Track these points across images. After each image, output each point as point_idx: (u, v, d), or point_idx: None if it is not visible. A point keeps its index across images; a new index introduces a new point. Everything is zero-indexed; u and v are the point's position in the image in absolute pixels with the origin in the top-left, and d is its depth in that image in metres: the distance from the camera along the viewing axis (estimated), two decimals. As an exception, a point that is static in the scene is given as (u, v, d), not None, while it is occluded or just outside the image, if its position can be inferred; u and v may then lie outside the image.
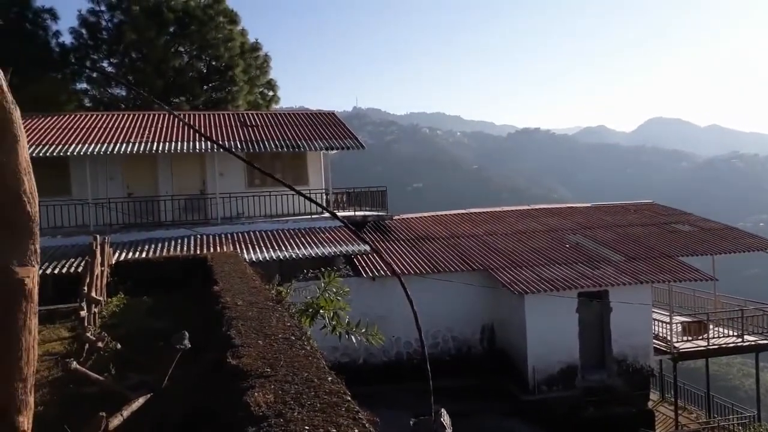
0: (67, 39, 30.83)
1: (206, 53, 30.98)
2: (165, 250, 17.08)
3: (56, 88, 28.89)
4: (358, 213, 22.45)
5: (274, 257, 17.01)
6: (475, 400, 16.09)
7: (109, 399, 4.90)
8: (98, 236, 9.34)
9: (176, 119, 22.46)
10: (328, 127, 23.86)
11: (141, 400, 3.93)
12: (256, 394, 3.07)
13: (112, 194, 19.89)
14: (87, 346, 6.22)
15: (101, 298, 6.58)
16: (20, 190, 2.53)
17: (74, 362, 4.81)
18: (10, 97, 2.49)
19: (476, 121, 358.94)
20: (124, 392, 4.88)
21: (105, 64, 32.26)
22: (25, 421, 2.54)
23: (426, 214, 24.41)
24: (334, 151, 23.91)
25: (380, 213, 22.67)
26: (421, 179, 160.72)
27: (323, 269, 17.28)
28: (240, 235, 19.16)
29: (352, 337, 7.79)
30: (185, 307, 9.33)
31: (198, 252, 16.62)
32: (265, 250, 17.62)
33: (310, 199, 4.23)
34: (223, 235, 18.93)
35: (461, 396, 15.36)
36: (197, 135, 21.35)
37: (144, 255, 16.40)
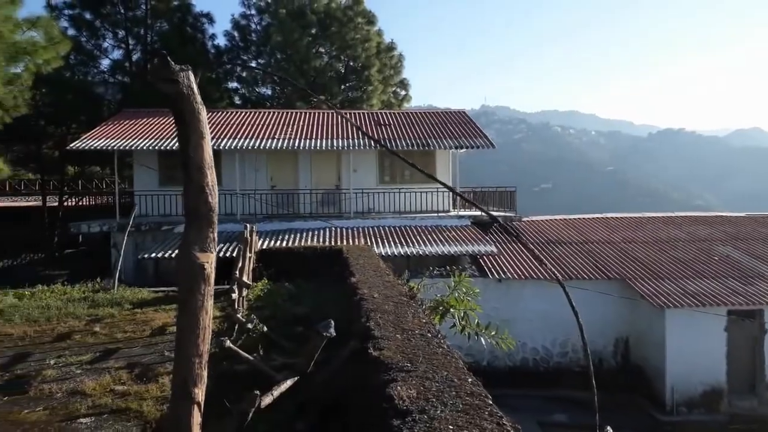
0: (221, 41, 33.58)
1: (345, 53, 32.19)
2: (303, 240, 18.05)
3: (210, 87, 31.55)
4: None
5: (402, 253, 17.33)
6: (607, 415, 15.29)
7: (257, 377, 5.33)
8: (248, 225, 10.11)
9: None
10: (457, 126, 23.84)
11: (289, 382, 4.23)
12: (399, 387, 3.19)
13: (258, 186, 21.41)
14: (237, 326, 6.78)
15: (250, 283, 7.13)
16: (203, 183, 2.83)
17: (228, 341, 5.27)
18: (198, 97, 2.79)
19: (613, 120, 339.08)
20: (270, 373, 5.27)
21: (253, 64, 34.68)
22: (200, 393, 2.86)
23: (557, 217, 23.55)
24: (463, 150, 23.82)
25: (508, 214, 22.26)
26: (550, 180, 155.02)
27: (449, 267, 17.40)
28: (370, 229, 19.75)
29: (481, 338, 7.78)
30: (322, 295, 9.82)
31: (333, 243, 17.41)
32: (393, 245, 18.00)
33: (463, 197, 4.28)
34: (354, 229, 19.62)
35: (592, 409, 14.65)
36: (334, 132, 22.35)
37: (285, 244, 17.44)
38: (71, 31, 28.28)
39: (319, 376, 4.58)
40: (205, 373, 2.90)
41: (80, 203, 35.31)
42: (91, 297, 10.80)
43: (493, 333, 7.72)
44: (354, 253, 10.49)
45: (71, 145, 20.42)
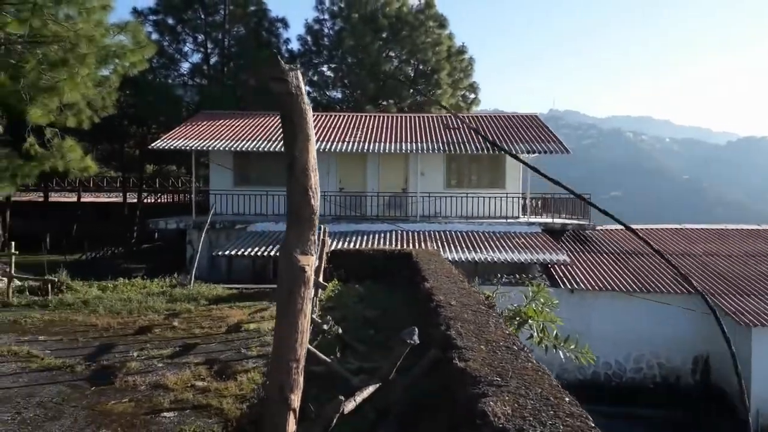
0: (294, 45, 34.30)
1: (415, 57, 32.18)
2: (370, 243, 18.11)
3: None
4: (556, 220, 21.60)
5: (470, 259, 17.06)
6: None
7: (334, 380, 5.30)
8: (322, 226, 10.18)
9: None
10: (530, 130, 23.33)
11: (371, 389, 4.16)
12: (492, 403, 3.04)
13: (327, 188, 21.66)
14: (312, 326, 6.79)
15: (325, 284, 7.14)
16: (308, 185, 2.80)
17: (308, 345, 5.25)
18: (306, 98, 2.75)
19: (689, 127, 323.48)
20: (347, 376, 5.23)
21: (324, 68, 35.30)
22: (296, 399, 2.81)
23: (634, 227, 22.53)
24: (533, 155, 23.24)
25: (581, 222, 21.52)
26: (621, 187, 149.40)
27: (519, 276, 16.96)
28: (437, 233, 19.57)
29: (560, 351, 7.48)
30: (392, 298, 9.76)
31: (399, 246, 17.37)
32: (461, 250, 17.76)
33: (565, 187, 4.08)
34: (421, 232, 19.50)
35: (666, 429, 13.95)
36: (402, 135, 22.33)
37: (352, 245, 17.54)
38: (154, 36, 29.66)
39: (399, 383, 4.48)
40: (301, 379, 2.86)
41: (158, 200, 36.84)
42: (169, 292, 11.18)
43: (572, 346, 7.40)
44: (424, 257, 10.37)
45: (153, 145, 21.33)
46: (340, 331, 6.40)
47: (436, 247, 17.02)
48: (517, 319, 7.27)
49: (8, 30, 14.04)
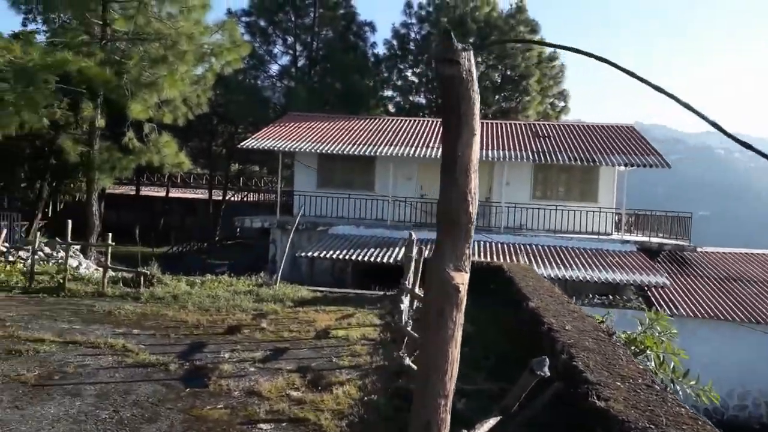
0: (381, 50, 34.30)
1: (503, 63, 31.37)
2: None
3: (367, 93, 32.36)
4: (653, 239, 20.23)
5: (560, 276, 16.17)
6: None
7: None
8: (412, 233, 9.79)
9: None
10: (626, 142, 22.04)
11: (492, 422, 3.69)
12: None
13: (407, 193, 21.34)
14: (406, 340, 6.40)
15: (419, 295, 6.71)
16: (468, 189, 2.38)
17: (408, 358, 4.85)
18: (476, 84, 2.34)
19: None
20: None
21: (409, 73, 35.07)
22: (443, 439, 2.40)
23: (738, 251, 20.83)
24: (626, 169, 21.92)
25: (680, 242, 20.04)
26: (709, 207, 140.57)
27: (612, 297, 15.90)
28: (522, 246, 18.78)
29: (677, 387, 6.71)
30: (483, 314, 9.22)
31: (481, 258, 16.75)
32: (549, 266, 16.90)
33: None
34: (504, 245, 18.77)
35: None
36: (487, 142, 21.65)
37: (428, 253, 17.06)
38: (247, 37, 30.38)
39: (521, 417, 3.99)
40: (448, 417, 2.45)
41: (243, 199, 37.77)
42: (256, 291, 11.12)
43: (692, 382, 6.62)
44: (518, 272, 9.76)
45: (242, 144, 21.74)
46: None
47: (522, 261, 16.27)
48: (633, 348, 6.56)
49: (115, 27, 14.66)
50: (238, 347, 6.94)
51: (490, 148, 21.07)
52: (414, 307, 7.43)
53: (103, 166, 14.42)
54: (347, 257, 17.43)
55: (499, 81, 32.48)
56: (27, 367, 5.67)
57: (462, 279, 2.38)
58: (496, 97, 31.91)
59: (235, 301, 10.12)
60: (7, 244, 11.50)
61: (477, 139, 2.41)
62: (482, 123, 24.40)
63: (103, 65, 13.37)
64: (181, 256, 26.90)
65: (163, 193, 43.89)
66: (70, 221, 11.13)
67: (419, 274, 7.71)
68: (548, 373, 3.70)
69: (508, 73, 31.99)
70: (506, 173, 21.00)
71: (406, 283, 7.46)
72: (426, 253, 15.49)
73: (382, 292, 12.09)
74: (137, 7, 14.18)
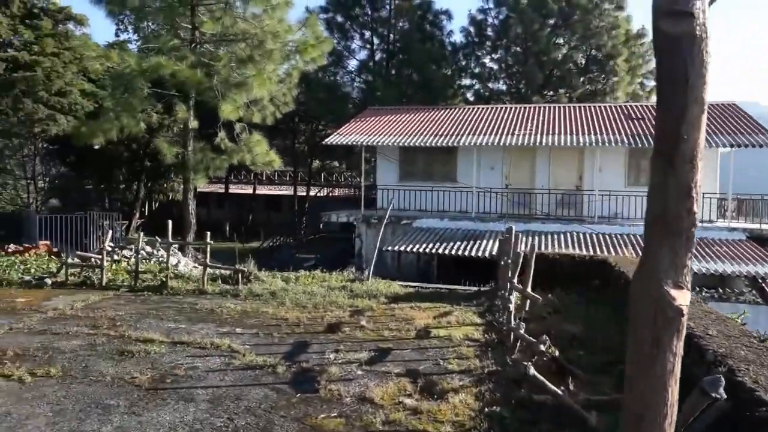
0: (457, 38, 33.63)
1: (587, 43, 29.90)
2: (543, 245, 16.88)
3: (445, 83, 31.84)
4: (764, 226, 18.58)
5: (663, 267, 15.10)
6: None
7: (562, 415, 4.49)
8: (512, 227, 9.37)
9: (556, 112, 22.24)
10: (728, 120, 20.34)
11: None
12: None
13: (492, 184, 20.74)
14: (519, 343, 6.03)
15: (537, 296, 6.24)
16: (692, 182, 1.98)
17: (531, 368, 4.49)
18: (710, 45, 1.91)
19: None
20: (584, 414, 4.38)
21: (487, 60, 34.19)
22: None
23: None
24: (731, 149, 20.23)
25: (794, 230, 18.27)
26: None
27: (721, 290, 14.72)
28: (618, 237, 17.76)
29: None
30: (592, 312, 8.67)
31: (575, 250, 15.98)
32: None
33: None
34: (600, 235, 17.82)
35: None
36: (576, 127, 20.63)
37: (523, 247, 16.45)
38: (325, 34, 30.58)
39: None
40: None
41: (329, 194, 38.26)
42: (349, 287, 11.04)
43: None
44: (630, 267, 9.07)
45: (327, 140, 21.88)
46: (557, 353, 5.53)
47: (627, 254, 15.35)
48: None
49: (203, 29, 15.02)
50: (341, 347, 6.81)
51: (579, 132, 20.07)
52: (519, 305, 7.00)
53: (198, 167, 14.85)
54: (434, 251, 17.14)
55: (584, 62, 30.98)
56: (139, 369, 5.77)
57: (684, 299, 1.98)
58: (581, 79, 30.44)
59: (330, 297, 10.08)
60: (111, 244, 12.04)
61: (705, 117, 1.99)
62: (569, 107, 23.45)
63: (193, 68, 13.72)
64: (272, 251, 27.53)
65: (248, 190, 45.35)
66: (170, 221, 11.50)
67: (517, 270, 7.26)
68: (724, 395, 3.24)
69: (593, 53, 30.44)
70: (599, 159, 19.95)
71: (514, 280, 7.04)
72: (523, 247, 14.94)
73: (475, 288, 11.73)
74: (224, 9, 14.43)
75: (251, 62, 14.59)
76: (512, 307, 6.74)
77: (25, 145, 42.16)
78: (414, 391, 5.18)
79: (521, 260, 7.66)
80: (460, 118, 23.30)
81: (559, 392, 4.49)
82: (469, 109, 25.18)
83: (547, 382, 4.51)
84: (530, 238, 17.74)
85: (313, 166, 39.89)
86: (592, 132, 20.09)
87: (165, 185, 41.87)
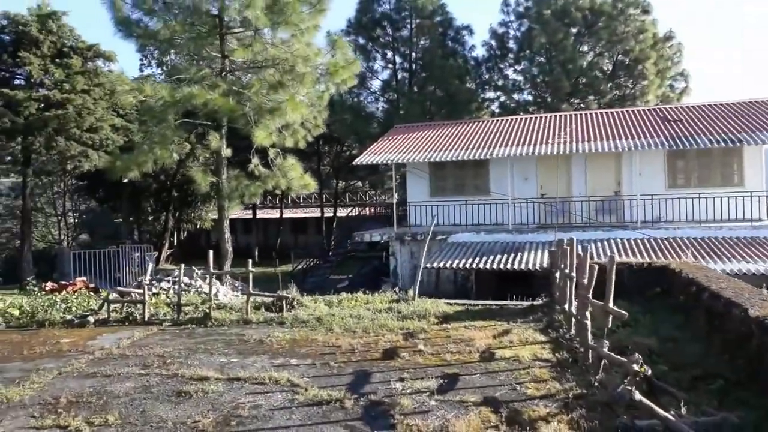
0: (479, 52, 33.43)
1: (614, 49, 29.40)
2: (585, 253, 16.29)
3: (469, 97, 31.57)
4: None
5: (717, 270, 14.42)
6: None
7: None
8: (565, 239, 8.93)
9: (588, 119, 21.81)
10: (772, 117, 19.64)
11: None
12: None
13: (526, 195, 20.28)
14: (603, 363, 5.58)
15: (623, 312, 5.76)
16: None
17: (636, 392, 4.06)
18: None
19: None
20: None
21: (510, 72, 33.87)
22: None
23: None
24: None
25: None
26: None
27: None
28: (664, 241, 17.08)
29: None
30: (663, 323, 8.16)
31: (620, 256, 15.38)
32: (699, 259, 15.16)
33: None
34: (644, 240, 17.18)
35: None
36: (611, 133, 20.12)
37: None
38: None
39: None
40: None
41: (358, 214, 38.10)
42: (395, 308, 10.67)
43: None
44: (697, 272, 8.57)
45: (357, 161, 21.65)
46: (649, 372, 5.08)
47: (661, 257, 14.72)
48: None
49: (233, 57, 14.98)
50: (405, 375, 6.42)
51: (616, 137, 19.54)
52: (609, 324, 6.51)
53: (233, 194, 14.69)
54: (475, 265, 16.67)
55: (611, 68, 30.45)
56: (200, 411, 5.45)
57: None
58: (609, 85, 29.88)
59: (378, 320, 9.72)
60: (149, 277, 11.88)
61: None
62: (602, 113, 22.95)
63: (225, 96, 13.63)
64: (304, 274, 27.32)
65: (274, 214, 45.46)
66: (210, 251, 11.29)
67: (592, 282, 6.80)
68: None
69: (620, 58, 29.90)
70: (637, 163, 19.39)
71: (583, 292, 6.59)
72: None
73: (525, 302, 11.27)
74: (253, 36, 14.38)
75: (282, 87, 14.47)
76: (589, 323, 6.29)
77: (56, 183, 43.01)
78: (500, 423, 4.77)
79: (593, 271, 7.20)
80: (490, 130, 22.96)
81: (670, 417, 4.04)
82: (498, 120, 24.81)
83: (655, 407, 4.07)
84: (576, 247, 17.22)
85: (339, 187, 39.84)
86: (629, 136, 19.54)
87: (192, 214, 42.21)
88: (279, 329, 9.54)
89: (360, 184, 47.40)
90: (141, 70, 34.97)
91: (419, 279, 11.61)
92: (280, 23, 14.16)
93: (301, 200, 48.08)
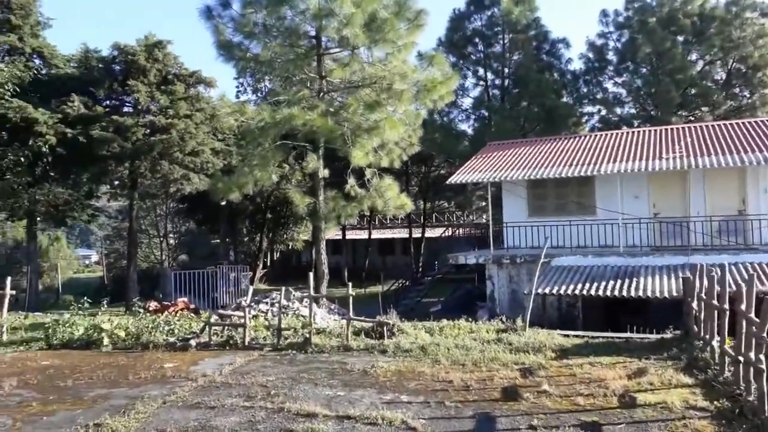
0: (576, 65, 32.04)
1: (728, 56, 27.13)
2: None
3: (567, 112, 30.18)
4: None
5: None
6: None
7: None
8: (703, 263, 7.80)
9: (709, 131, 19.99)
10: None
11: None
12: None
13: (636, 214, 18.74)
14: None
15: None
16: None
17: None
18: None
19: None
20: None
21: (609, 85, 32.17)
22: None
23: None
24: None
25: None
26: None
27: None
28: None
29: None
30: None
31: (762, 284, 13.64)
32: None
33: None
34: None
35: None
36: (735, 146, 18.24)
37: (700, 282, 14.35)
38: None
39: None
40: None
41: (450, 235, 37.42)
42: (505, 339, 9.82)
43: None
44: None
45: (451, 179, 20.98)
46: None
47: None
48: None
49: (331, 77, 14.85)
50: (535, 421, 5.62)
51: (740, 151, 17.69)
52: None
53: (330, 215, 14.45)
54: (584, 291, 15.44)
55: (725, 77, 28.10)
56: (313, 456, 4.92)
57: None
58: (723, 95, 27.54)
59: (488, 352, 8.93)
60: (247, 299, 11.71)
61: None
62: (722, 124, 21.00)
63: (324, 116, 13.45)
64: (396, 297, 26.80)
65: (362, 235, 45.54)
66: (311, 273, 10.97)
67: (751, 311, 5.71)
68: None
69: (736, 66, 27.53)
70: (765, 179, 17.44)
71: (750, 326, 5.51)
72: (703, 282, 12.95)
73: (654, 336, 10.07)
74: (350, 55, 14.18)
75: (379, 106, 14.13)
76: (764, 367, 5.23)
77: (158, 205, 45.42)
78: (675, 495, 3.88)
79: (744, 300, 6.10)
80: (594, 145, 21.57)
81: None
82: (603, 135, 23.27)
83: None
84: (724, 275, 15.57)
85: (427, 207, 39.29)
86: (755, 149, 17.64)
87: (285, 235, 43.09)
88: (382, 358, 8.97)
89: (446, 204, 46.66)
90: (237, 96, 36.30)
91: (530, 307, 10.65)
92: (377, 41, 13.89)
93: (388, 221, 47.97)
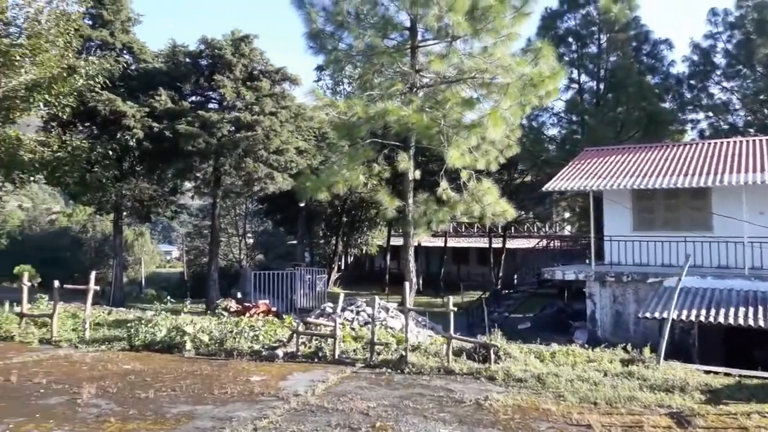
0: (679, 68, 29.59)
1: None
2: None
3: (671, 118, 27.81)
4: None
5: None
6: None
7: None
8: None
9: None
10: None
11: None
12: None
13: (762, 232, 16.50)
14: None
15: None
16: None
17: None
18: None
19: None
20: None
21: (716, 90, 29.46)
22: None
23: None
24: None
25: None
26: None
27: None
28: None
29: None
30: None
31: None
32: None
33: None
34: None
35: None
36: None
37: None
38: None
39: None
40: None
41: (534, 247, 35.64)
42: (636, 373, 8.35)
43: None
44: None
45: (546, 186, 19.40)
46: None
47: None
48: None
49: (427, 70, 13.77)
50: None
51: None
52: None
53: (420, 220, 13.35)
54: (707, 319, 13.58)
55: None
56: None
57: None
58: None
59: (620, 389, 7.52)
60: (337, 307, 10.78)
61: None
62: None
63: (418, 112, 12.38)
64: (478, 310, 25.32)
65: (437, 242, 44.19)
66: (406, 283, 9.87)
67: None
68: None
69: None
70: None
71: None
72: None
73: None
74: (448, 46, 13.05)
75: (478, 101, 12.90)
76: None
77: (238, 205, 45.95)
78: None
79: None
80: (709, 153, 19.36)
81: None
82: (719, 143, 20.91)
83: None
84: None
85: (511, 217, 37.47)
86: None
87: (359, 239, 42.43)
88: (492, 387, 7.75)
89: (522, 213, 44.56)
90: (334, 93, 35.81)
91: (665, 338, 9.07)
92: (480, 31, 12.70)
93: (463, 229, 46.37)
